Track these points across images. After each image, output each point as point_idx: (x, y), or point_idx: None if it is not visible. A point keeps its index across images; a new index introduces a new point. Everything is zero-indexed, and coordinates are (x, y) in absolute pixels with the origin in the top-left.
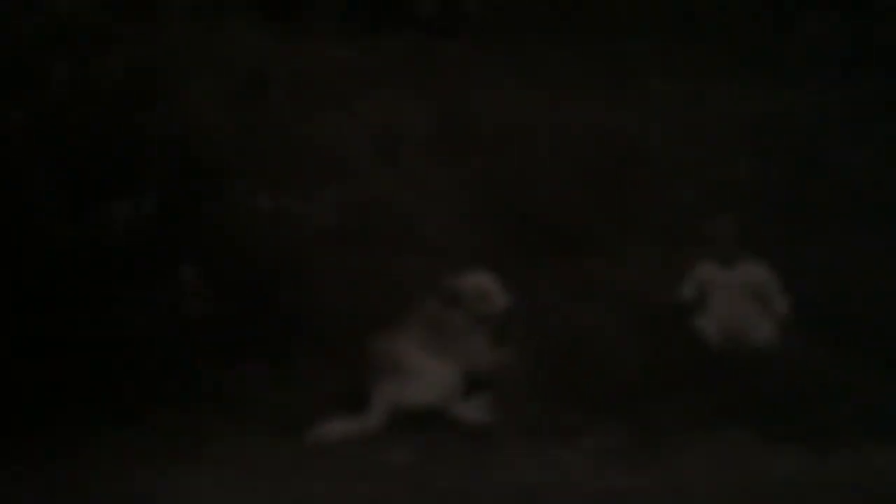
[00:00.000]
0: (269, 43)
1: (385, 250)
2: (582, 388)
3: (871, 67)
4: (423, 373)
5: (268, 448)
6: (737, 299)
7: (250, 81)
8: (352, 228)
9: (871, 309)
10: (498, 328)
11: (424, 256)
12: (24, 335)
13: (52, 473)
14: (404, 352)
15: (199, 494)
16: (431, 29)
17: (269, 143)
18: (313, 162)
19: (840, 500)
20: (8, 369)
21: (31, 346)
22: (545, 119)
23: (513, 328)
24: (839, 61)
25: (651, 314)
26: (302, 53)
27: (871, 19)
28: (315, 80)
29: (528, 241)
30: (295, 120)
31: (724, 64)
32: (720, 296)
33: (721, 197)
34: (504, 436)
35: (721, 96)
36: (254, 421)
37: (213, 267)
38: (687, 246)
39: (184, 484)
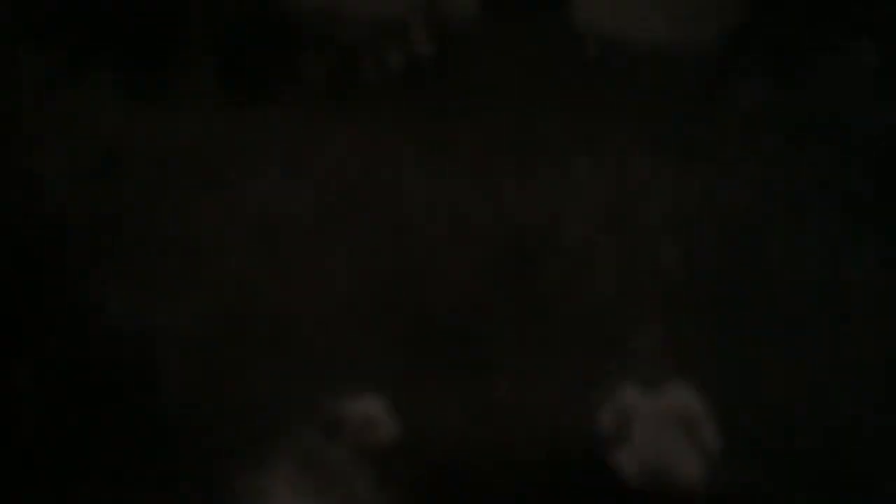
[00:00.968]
0: (131, 115)
1: (255, 367)
2: None
3: (810, 144)
4: None
5: None
6: (661, 430)
7: (107, 159)
8: (218, 339)
9: (814, 439)
10: (385, 463)
11: (302, 374)
12: None
13: None
14: (272, 493)
15: None
16: (319, 96)
17: (125, 234)
18: (176, 257)
19: None
20: None
21: None
22: (445, 203)
23: (403, 463)
24: (775, 137)
25: (564, 447)
26: (169, 127)
27: (810, 90)
28: (182, 158)
29: (423, 353)
30: (157, 206)
31: (648, 139)
32: (643, 426)
33: (644, 295)
34: None
35: (645, 174)
36: None
37: (51, 375)
38: (606, 360)
39: None
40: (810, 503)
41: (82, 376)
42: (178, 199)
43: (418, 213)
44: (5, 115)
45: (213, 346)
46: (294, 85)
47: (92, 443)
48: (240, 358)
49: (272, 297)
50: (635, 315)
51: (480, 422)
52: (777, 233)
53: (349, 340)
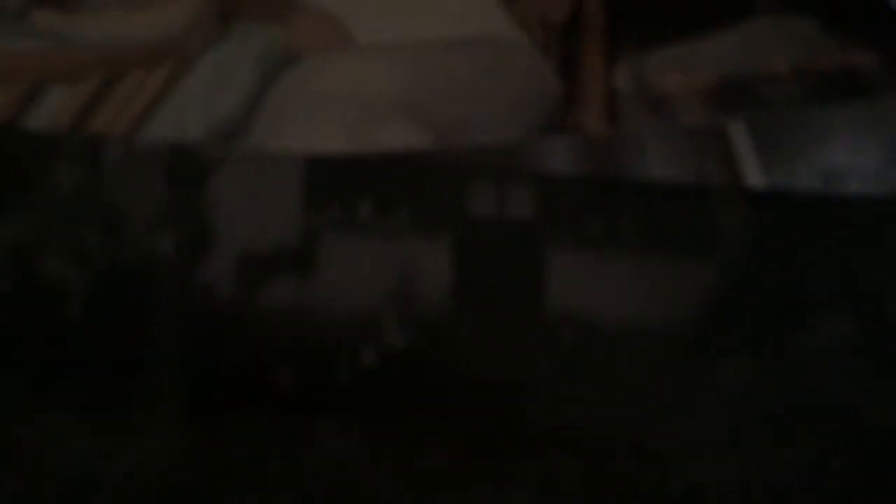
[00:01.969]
0: (96, 439)
1: None
2: None
3: (800, 435)
4: None
5: None
6: None
7: (72, 487)
8: None
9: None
10: None
11: None
12: None
13: None
14: None
15: None
16: (292, 409)
17: None
18: None
19: None
20: None
21: None
22: None
23: None
24: (758, 421)
25: None
26: (133, 451)
27: (793, 370)
28: (148, 483)
29: None
30: None
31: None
32: None
33: None
34: None
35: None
36: None
37: None
38: None
39: None
40: None
41: None
42: None
43: None
44: None
45: None
46: (263, 395)
47: None
48: None
49: None
50: None
51: None
52: None
53: None
